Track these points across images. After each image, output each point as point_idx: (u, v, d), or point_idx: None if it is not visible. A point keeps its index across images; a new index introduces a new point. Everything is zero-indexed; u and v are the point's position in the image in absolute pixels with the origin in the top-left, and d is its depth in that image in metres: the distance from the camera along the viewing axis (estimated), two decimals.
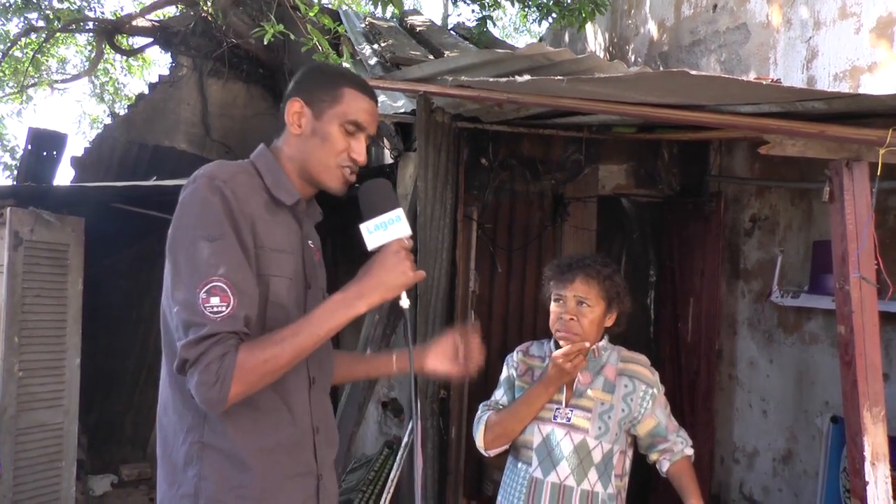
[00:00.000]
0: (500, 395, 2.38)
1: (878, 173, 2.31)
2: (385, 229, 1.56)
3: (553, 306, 2.26)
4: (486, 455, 2.33)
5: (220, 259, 1.42)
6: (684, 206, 4.83)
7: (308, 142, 1.62)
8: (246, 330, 1.43)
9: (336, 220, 2.51)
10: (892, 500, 2.31)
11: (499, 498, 2.33)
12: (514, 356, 2.41)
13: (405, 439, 3.82)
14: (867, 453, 2.29)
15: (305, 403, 1.61)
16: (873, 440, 2.30)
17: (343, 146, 1.62)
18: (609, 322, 2.27)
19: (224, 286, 1.41)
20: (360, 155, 1.63)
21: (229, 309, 1.40)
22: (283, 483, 1.55)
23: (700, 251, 4.67)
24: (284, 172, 1.63)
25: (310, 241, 1.71)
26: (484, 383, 3.19)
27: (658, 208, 5.05)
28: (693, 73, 2.26)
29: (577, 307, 2.21)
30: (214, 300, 1.39)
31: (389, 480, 3.84)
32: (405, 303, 1.58)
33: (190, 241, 1.44)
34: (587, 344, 2.18)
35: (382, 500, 3.83)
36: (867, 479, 2.29)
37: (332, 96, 1.62)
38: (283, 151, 1.66)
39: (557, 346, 2.26)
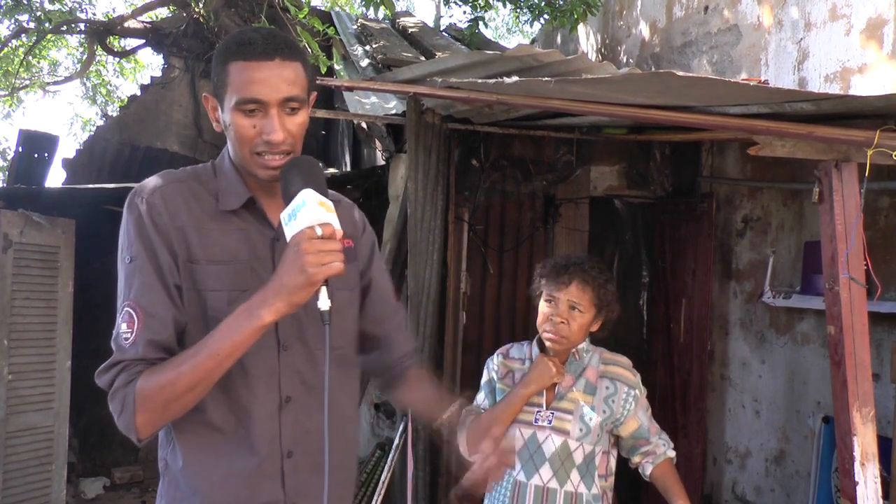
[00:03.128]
0: (481, 398, 2.37)
1: (867, 174, 2.32)
2: (295, 218, 1.28)
3: (543, 306, 2.25)
4: (470, 459, 2.32)
5: (130, 282, 1.36)
6: (676, 206, 4.84)
7: (228, 137, 1.42)
8: (160, 355, 1.34)
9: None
10: (881, 500, 2.31)
11: (485, 502, 2.32)
12: (495, 359, 2.40)
13: (396, 441, 3.81)
14: (857, 453, 2.30)
15: (273, 427, 1.42)
16: (863, 440, 2.30)
17: (250, 132, 1.35)
18: (594, 327, 2.28)
19: (131, 311, 1.34)
20: (271, 132, 1.34)
21: (133, 335, 1.33)
22: None
23: (692, 252, 4.68)
24: (236, 172, 1.45)
25: None
26: (473, 385, 3.18)
27: (650, 209, 5.06)
28: (680, 74, 2.26)
29: (569, 311, 2.20)
30: (123, 326, 1.34)
31: (380, 482, 3.84)
32: (323, 304, 1.27)
33: (118, 264, 1.40)
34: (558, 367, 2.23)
35: (374, 502, 3.83)
36: (857, 479, 2.29)
37: (223, 79, 1.36)
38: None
39: (541, 345, 2.28)
